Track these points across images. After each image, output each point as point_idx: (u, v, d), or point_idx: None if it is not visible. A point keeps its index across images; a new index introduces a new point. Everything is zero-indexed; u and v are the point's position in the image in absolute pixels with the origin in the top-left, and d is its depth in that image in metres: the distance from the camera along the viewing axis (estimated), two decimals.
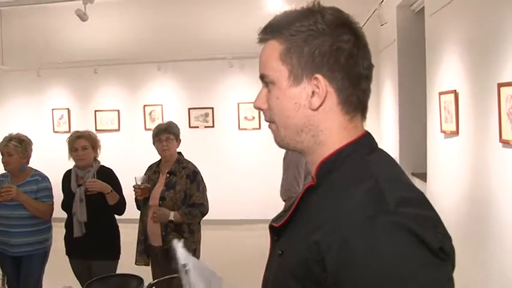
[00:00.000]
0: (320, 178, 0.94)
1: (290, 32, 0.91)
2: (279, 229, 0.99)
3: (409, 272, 0.75)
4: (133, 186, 3.49)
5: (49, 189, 3.62)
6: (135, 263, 3.58)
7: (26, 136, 3.69)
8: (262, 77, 0.97)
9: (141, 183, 3.50)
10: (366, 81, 0.94)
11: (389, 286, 0.75)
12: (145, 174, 3.70)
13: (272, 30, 0.95)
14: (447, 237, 0.82)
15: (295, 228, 0.94)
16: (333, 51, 0.89)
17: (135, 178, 3.52)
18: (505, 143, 2.67)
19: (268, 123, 1.00)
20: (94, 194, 3.40)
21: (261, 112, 1.02)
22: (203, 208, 3.52)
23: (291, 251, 0.91)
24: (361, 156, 0.92)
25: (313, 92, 0.91)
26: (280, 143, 0.99)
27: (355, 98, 0.93)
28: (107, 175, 3.55)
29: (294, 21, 0.91)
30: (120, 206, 3.52)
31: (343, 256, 0.78)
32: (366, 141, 0.96)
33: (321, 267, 0.81)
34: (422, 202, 0.85)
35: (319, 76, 0.90)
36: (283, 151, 6.55)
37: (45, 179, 3.64)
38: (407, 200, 0.82)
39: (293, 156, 4.43)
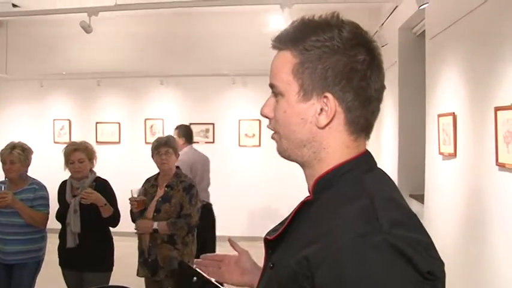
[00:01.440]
0: (316, 193, 0.93)
1: (305, 45, 0.90)
2: (273, 242, 0.99)
3: None
4: (130, 199, 3.50)
5: (45, 198, 3.62)
6: (137, 275, 3.58)
7: (27, 144, 3.72)
8: (272, 86, 0.96)
9: (137, 196, 3.51)
10: (375, 102, 0.93)
11: None
12: (142, 187, 3.72)
13: (286, 41, 0.93)
14: (438, 262, 0.82)
15: (288, 242, 0.94)
16: (347, 72, 0.88)
17: (131, 191, 3.53)
18: (501, 166, 2.68)
19: (271, 133, 0.99)
20: (88, 205, 3.39)
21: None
22: (189, 219, 3.51)
23: (281, 265, 0.90)
24: (358, 174, 0.91)
25: (321, 110, 0.90)
26: (282, 153, 0.99)
27: (363, 119, 0.92)
28: (103, 186, 3.55)
29: (310, 34, 0.89)
30: (114, 220, 3.51)
31: (333, 272, 0.78)
32: (365, 159, 0.95)
33: (310, 283, 0.80)
34: (415, 225, 0.85)
35: (329, 95, 0.89)
36: (283, 169, 6.57)
37: (42, 188, 3.65)
38: (401, 222, 0.81)
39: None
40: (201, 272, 1.22)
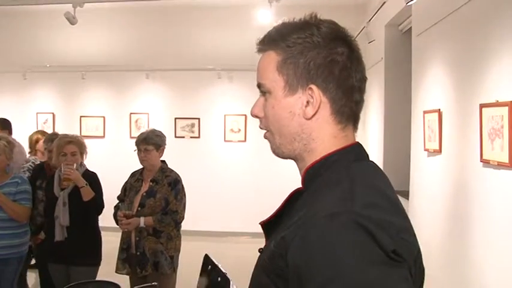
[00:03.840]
0: (307, 182, 0.97)
1: (287, 43, 0.95)
2: (267, 228, 1.02)
3: (359, 267, 0.76)
4: (118, 215, 3.46)
5: (28, 192, 3.57)
6: (116, 271, 3.54)
7: (12, 138, 3.67)
8: (259, 86, 1.00)
9: (122, 210, 3.47)
10: (358, 92, 0.97)
11: (339, 280, 0.76)
12: (127, 181, 3.70)
13: (270, 41, 0.98)
14: (409, 244, 0.84)
15: (277, 229, 0.96)
16: (328, 63, 0.93)
17: (120, 206, 3.52)
18: (485, 163, 2.71)
19: (264, 133, 1.03)
20: (77, 198, 3.37)
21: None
22: (176, 215, 3.50)
23: (266, 249, 0.95)
24: (346, 162, 0.94)
25: (307, 102, 0.94)
26: (275, 151, 1.02)
27: (348, 108, 0.96)
28: (91, 178, 3.54)
29: (291, 33, 0.95)
30: (95, 205, 3.48)
31: (300, 250, 0.81)
32: (355, 150, 0.98)
33: (285, 261, 0.84)
34: (393, 210, 0.87)
35: (313, 87, 0.93)
36: (268, 164, 6.58)
37: (25, 181, 3.60)
38: (376, 204, 0.84)
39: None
40: (223, 271, 1.22)
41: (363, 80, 0.98)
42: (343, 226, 0.79)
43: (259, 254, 1.00)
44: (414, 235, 0.87)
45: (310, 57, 0.93)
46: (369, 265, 0.76)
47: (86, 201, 3.40)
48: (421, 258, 0.89)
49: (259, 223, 1.05)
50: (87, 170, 3.62)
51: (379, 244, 0.77)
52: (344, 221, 0.79)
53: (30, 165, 4.71)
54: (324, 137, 0.96)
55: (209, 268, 1.22)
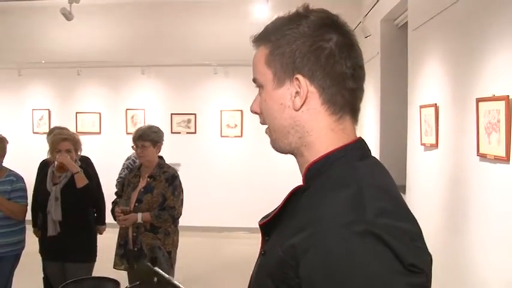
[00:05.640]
0: (308, 180, 0.94)
1: (276, 36, 0.94)
2: (266, 228, 1.00)
3: (381, 279, 0.75)
4: (116, 211, 3.48)
5: (24, 189, 3.56)
6: (114, 267, 3.55)
7: (1, 134, 3.65)
8: (254, 81, 1.00)
9: (120, 206, 3.48)
10: (352, 80, 0.92)
11: None
12: (125, 177, 3.69)
13: (262, 37, 0.98)
14: (424, 252, 0.82)
15: (279, 229, 0.94)
16: (313, 51, 0.90)
17: (118, 202, 3.53)
18: (482, 157, 2.72)
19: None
20: (70, 193, 3.36)
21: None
22: (173, 211, 3.51)
23: (271, 252, 0.91)
24: (350, 161, 0.91)
25: (296, 93, 0.92)
26: (274, 147, 1.01)
27: (340, 97, 0.92)
28: (85, 162, 3.58)
29: (281, 26, 0.94)
30: (91, 192, 3.46)
31: (317, 261, 0.78)
32: (358, 147, 0.95)
33: (295, 271, 0.81)
34: (403, 214, 0.85)
35: (299, 76, 0.91)
36: (265, 160, 6.57)
37: (20, 179, 3.57)
38: (388, 211, 0.81)
39: None
40: (162, 273, 1.22)
41: (357, 66, 0.93)
42: (360, 237, 0.76)
43: (258, 252, 0.98)
44: (424, 241, 0.85)
45: (296, 47, 0.91)
46: (391, 275, 0.75)
47: (80, 189, 3.39)
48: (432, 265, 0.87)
49: (258, 224, 1.02)
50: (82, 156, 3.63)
51: (396, 256, 0.76)
52: (360, 232, 0.77)
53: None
54: (320, 130, 0.93)
55: (145, 272, 1.21)
